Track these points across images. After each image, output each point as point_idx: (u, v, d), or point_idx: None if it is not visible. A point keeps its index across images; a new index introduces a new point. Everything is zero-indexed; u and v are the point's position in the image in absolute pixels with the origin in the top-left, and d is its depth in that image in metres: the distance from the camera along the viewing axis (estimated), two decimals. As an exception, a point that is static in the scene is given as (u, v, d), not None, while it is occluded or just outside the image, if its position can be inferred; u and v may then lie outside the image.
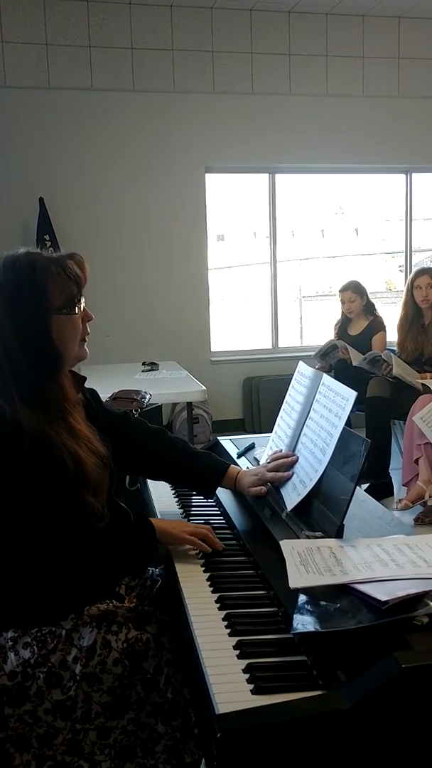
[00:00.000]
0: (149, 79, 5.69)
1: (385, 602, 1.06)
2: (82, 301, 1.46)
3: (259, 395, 5.96)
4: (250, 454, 2.04)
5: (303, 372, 1.82)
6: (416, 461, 3.86)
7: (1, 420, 1.34)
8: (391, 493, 4.23)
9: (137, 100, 5.72)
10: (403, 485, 4.01)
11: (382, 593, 1.08)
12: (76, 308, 1.44)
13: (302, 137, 6.02)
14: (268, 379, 5.89)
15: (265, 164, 6.14)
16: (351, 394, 1.52)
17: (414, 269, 5.14)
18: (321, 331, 4.92)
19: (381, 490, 4.21)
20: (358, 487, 1.66)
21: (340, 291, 4.83)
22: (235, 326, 7.29)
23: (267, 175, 6.25)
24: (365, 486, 4.28)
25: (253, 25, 5.83)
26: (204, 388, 3.88)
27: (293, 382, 1.86)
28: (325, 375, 1.70)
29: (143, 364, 4.64)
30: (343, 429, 1.50)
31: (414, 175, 6.54)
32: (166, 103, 5.76)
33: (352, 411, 4.67)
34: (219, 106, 5.86)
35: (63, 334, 1.42)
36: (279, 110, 5.97)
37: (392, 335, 4.64)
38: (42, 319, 1.39)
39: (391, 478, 4.28)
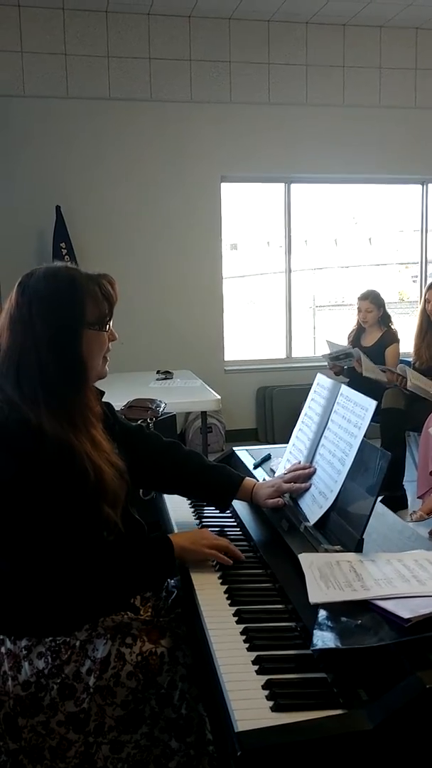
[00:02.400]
0: (166, 88, 5.72)
1: (408, 620, 1.04)
2: (111, 320, 1.49)
3: (273, 405, 5.94)
4: (267, 465, 2.02)
5: (321, 383, 1.80)
6: (431, 473, 3.82)
7: (26, 426, 1.33)
8: (406, 506, 4.19)
9: (154, 110, 5.74)
10: (418, 497, 3.97)
11: (405, 610, 1.06)
12: (106, 326, 1.49)
13: (318, 147, 6.02)
14: (281, 389, 5.86)
15: (280, 174, 6.14)
16: (370, 404, 1.50)
17: (430, 281, 5.11)
18: (338, 341, 4.89)
19: (395, 503, 4.17)
20: (378, 501, 1.64)
21: (358, 299, 4.81)
22: (249, 335, 7.28)
23: (282, 184, 6.25)
24: (379, 498, 4.24)
25: (271, 35, 5.84)
26: (218, 397, 3.87)
27: (312, 394, 1.85)
28: (343, 386, 1.68)
29: (157, 372, 4.63)
30: (363, 441, 1.48)
31: (430, 186, 6.52)
32: (183, 112, 5.78)
33: (367, 422, 4.56)
34: (235, 116, 5.87)
35: (92, 348, 1.46)
36: (295, 120, 5.97)
37: (405, 346, 4.61)
38: (76, 331, 1.42)
39: (405, 490, 4.23)
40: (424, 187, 6.50)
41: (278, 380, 6.02)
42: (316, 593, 1.17)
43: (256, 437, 6.06)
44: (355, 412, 1.56)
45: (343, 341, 4.94)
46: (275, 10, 5.58)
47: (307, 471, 1.66)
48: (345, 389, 1.67)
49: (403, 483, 4.23)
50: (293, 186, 6.30)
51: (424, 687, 0.93)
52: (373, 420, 4.46)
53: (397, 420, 4.13)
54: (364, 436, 4.68)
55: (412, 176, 6.39)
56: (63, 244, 5.37)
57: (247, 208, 6.59)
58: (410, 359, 4.50)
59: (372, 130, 6.10)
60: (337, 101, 6.02)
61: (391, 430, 4.15)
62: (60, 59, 5.51)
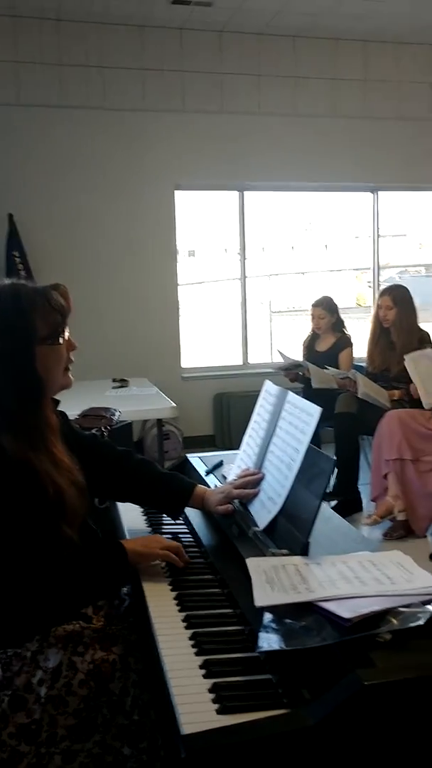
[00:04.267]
0: (120, 97, 5.73)
1: (349, 620, 1.07)
2: (66, 331, 1.48)
3: (230, 411, 5.98)
4: (219, 471, 2.05)
5: (269, 390, 1.84)
6: (385, 476, 3.90)
7: None
8: (360, 509, 4.26)
9: (108, 118, 5.75)
10: (372, 500, 4.05)
11: (346, 611, 1.09)
12: (60, 338, 1.47)
13: (271, 156, 6.10)
14: (238, 395, 5.91)
15: (234, 182, 6.21)
16: (316, 411, 1.54)
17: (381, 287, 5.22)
18: (291, 346, 4.96)
19: (350, 506, 4.25)
20: (324, 504, 1.68)
21: (312, 306, 4.89)
22: (207, 342, 7.31)
23: (237, 192, 6.31)
24: (334, 502, 4.31)
25: (223, 45, 5.91)
26: (174, 404, 3.89)
27: (260, 400, 1.88)
28: (290, 393, 1.72)
29: (113, 380, 4.63)
30: (309, 447, 1.52)
31: (380, 193, 6.66)
32: (137, 121, 5.81)
33: (321, 427, 4.71)
34: (189, 125, 5.91)
35: (47, 364, 1.44)
36: (248, 129, 6.04)
37: (360, 351, 4.70)
38: (27, 349, 1.41)
39: (360, 493, 4.31)
40: (375, 194, 6.64)
41: (235, 387, 6.06)
42: (262, 596, 1.20)
43: (214, 443, 6.09)
44: (301, 418, 1.59)
45: (299, 347, 5.01)
46: (227, 21, 5.65)
47: (256, 477, 1.69)
48: (291, 396, 1.70)
49: (358, 486, 4.30)
50: (248, 194, 6.36)
51: (362, 684, 0.96)
52: (327, 425, 4.53)
53: (350, 424, 4.20)
54: (319, 441, 4.74)
55: (363, 184, 6.52)
56: (16, 253, 5.34)
57: (204, 216, 6.65)
58: (364, 364, 4.60)
59: (323, 140, 6.21)
60: (289, 111, 6.11)
61: (344, 435, 4.22)
62: (10, 66, 5.48)
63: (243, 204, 6.35)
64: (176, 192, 6.05)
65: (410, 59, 6.33)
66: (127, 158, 5.81)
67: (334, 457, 1.47)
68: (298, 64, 6.09)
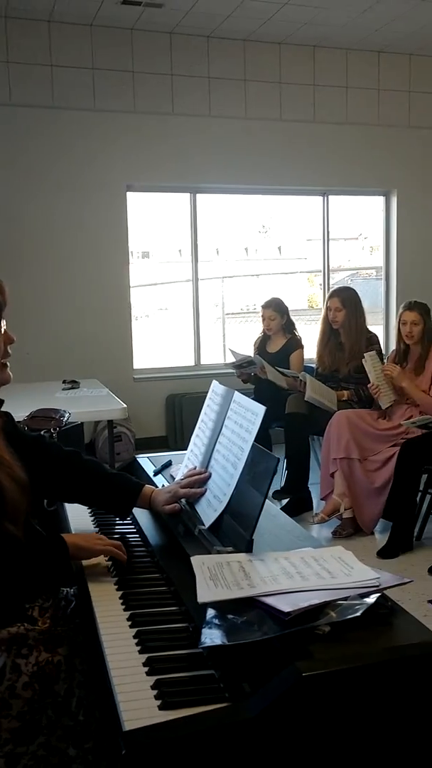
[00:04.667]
0: (69, 96, 5.68)
1: (288, 613, 1.09)
2: (2, 324, 1.47)
3: (182, 412, 5.99)
4: (167, 471, 2.06)
5: (216, 390, 1.85)
6: (332, 475, 3.96)
7: None
8: (311, 508, 4.32)
9: (58, 118, 5.69)
10: (321, 499, 4.11)
11: (285, 605, 1.12)
12: None
13: (222, 158, 6.13)
14: (190, 396, 5.92)
15: (185, 184, 6.22)
16: (260, 410, 1.56)
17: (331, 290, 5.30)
18: (244, 348, 5.00)
19: (300, 505, 4.30)
20: (270, 503, 1.71)
21: (262, 307, 4.93)
22: (160, 343, 7.30)
23: (188, 194, 6.33)
24: (285, 500, 4.36)
25: (174, 47, 5.92)
26: (124, 405, 3.88)
27: (207, 400, 1.90)
28: (236, 392, 1.74)
29: (64, 382, 4.59)
30: (254, 446, 1.54)
31: (331, 197, 6.76)
32: (87, 121, 5.76)
33: (271, 427, 4.76)
34: (140, 126, 5.90)
35: None
36: (199, 131, 6.06)
37: (311, 352, 4.76)
38: None
39: (310, 492, 4.36)
40: (325, 198, 6.74)
41: (187, 388, 6.07)
42: (205, 593, 1.21)
43: (167, 445, 6.09)
44: (247, 417, 1.62)
45: (250, 349, 5.05)
46: (178, 23, 5.66)
47: (202, 476, 1.70)
48: (237, 396, 1.72)
49: (308, 485, 4.35)
50: (202, 196, 6.39)
51: (300, 675, 0.98)
52: (277, 425, 4.57)
53: (300, 424, 4.25)
54: (270, 441, 4.78)
55: (313, 188, 6.61)
56: (-36, 252, 5.24)
57: (158, 217, 6.63)
58: (313, 366, 4.66)
59: (274, 143, 6.27)
60: (239, 114, 6.15)
61: (294, 435, 4.28)
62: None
63: (195, 206, 6.37)
64: (128, 193, 6.02)
65: (358, 66, 6.44)
66: (77, 158, 5.77)
67: (278, 457, 1.49)
68: (248, 67, 6.14)
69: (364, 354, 4.07)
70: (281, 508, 4.27)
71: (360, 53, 6.43)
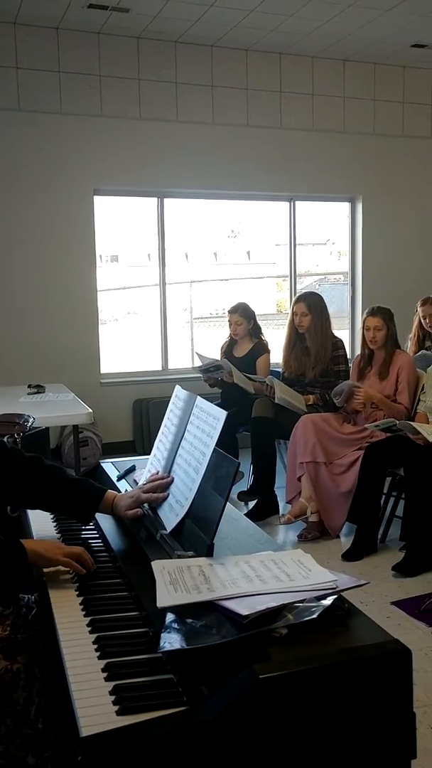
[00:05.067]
0: (36, 99, 5.65)
1: (246, 616, 1.10)
2: None
3: (149, 417, 5.98)
4: (130, 476, 2.05)
5: (178, 395, 1.86)
6: (299, 479, 3.99)
7: None
8: (277, 511, 4.34)
9: (24, 121, 5.65)
10: (287, 502, 4.13)
11: (243, 608, 1.12)
12: None
13: (190, 163, 6.15)
14: (157, 401, 5.91)
15: (153, 188, 6.22)
16: (221, 414, 1.57)
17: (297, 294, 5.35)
18: (212, 352, 5.02)
19: (267, 508, 4.32)
20: (232, 507, 1.72)
21: (228, 312, 4.95)
22: (129, 348, 7.29)
23: (156, 199, 6.33)
24: (252, 503, 4.38)
25: (141, 51, 5.92)
26: (90, 410, 3.86)
27: (170, 405, 1.90)
28: (198, 397, 1.74)
29: (29, 387, 4.55)
30: (215, 450, 1.54)
31: (297, 203, 6.82)
32: (54, 124, 5.73)
33: (238, 431, 4.77)
34: (107, 130, 5.89)
35: None
36: (167, 136, 6.07)
37: (277, 357, 4.79)
38: None
39: (276, 496, 4.39)
40: (292, 203, 6.80)
41: (155, 392, 6.06)
42: (164, 597, 1.21)
43: (134, 449, 6.07)
44: (208, 422, 1.62)
45: (217, 353, 5.07)
46: (145, 27, 5.67)
47: (165, 481, 1.71)
48: (200, 401, 1.73)
49: (275, 489, 4.38)
50: (172, 200, 6.39)
51: (257, 677, 0.99)
52: (243, 429, 4.59)
53: (266, 428, 4.27)
54: (237, 445, 4.79)
55: (280, 193, 6.66)
56: None
57: (127, 221, 6.62)
58: (280, 370, 4.69)
59: (241, 149, 6.31)
60: (206, 119, 6.18)
61: (261, 439, 4.30)
62: None
63: (162, 210, 6.37)
64: (95, 197, 6.00)
65: (324, 73, 6.52)
66: (44, 162, 5.73)
67: (239, 461, 1.50)
68: (215, 73, 6.17)
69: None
70: (248, 511, 4.29)
71: (326, 61, 6.51)
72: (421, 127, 6.96)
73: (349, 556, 3.69)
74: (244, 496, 4.37)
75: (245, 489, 4.44)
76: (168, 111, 6.05)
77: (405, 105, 6.87)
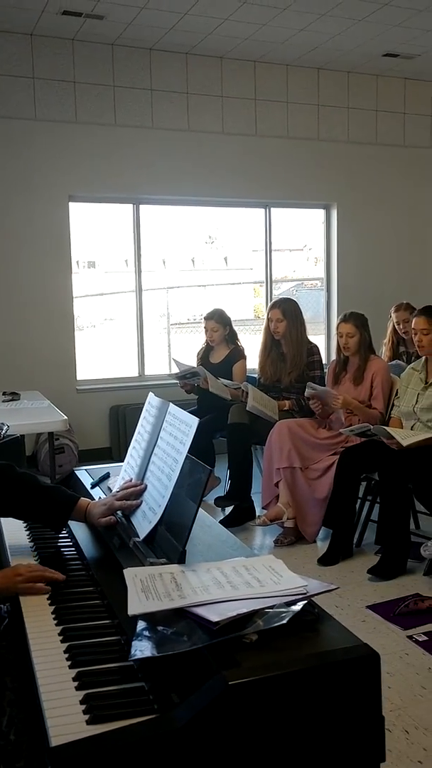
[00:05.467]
0: (9, 106, 5.62)
1: (216, 623, 1.11)
2: None
3: (126, 423, 5.96)
4: (104, 483, 2.05)
5: (152, 402, 1.86)
6: (276, 484, 4.01)
7: None
8: (254, 517, 4.35)
9: (-2, 126, 5.63)
10: (263, 508, 4.15)
11: (214, 614, 1.13)
12: None
13: (165, 170, 6.16)
14: (134, 407, 5.90)
15: (128, 195, 6.22)
16: (193, 421, 1.57)
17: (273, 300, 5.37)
18: (188, 358, 5.02)
19: (244, 514, 4.33)
20: (206, 514, 1.72)
21: (204, 318, 4.96)
22: (106, 354, 7.26)
23: (131, 205, 6.33)
24: (229, 509, 4.39)
25: (116, 58, 5.93)
26: (65, 417, 3.84)
27: (144, 412, 1.91)
28: (171, 404, 1.75)
29: (4, 393, 4.52)
30: (188, 457, 1.55)
31: (273, 209, 6.86)
32: (29, 130, 5.71)
33: (215, 437, 4.78)
34: (82, 137, 5.88)
35: None
36: (142, 143, 6.08)
37: (256, 362, 4.81)
38: None
39: (253, 502, 4.39)
40: (267, 210, 6.84)
41: (131, 399, 6.05)
42: (135, 605, 1.21)
43: (111, 456, 6.05)
44: (181, 429, 1.63)
45: (193, 359, 5.07)
46: (119, 35, 5.68)
47: (138, 488, 1.71)
48: (173, 408, 1.73)
49: (251, 495, 4.39)
50: (149, 207, 6.39)
51: (227, 684, 0.99)
52: (220, 435, 4.60)
53: (242, 434, 4.29)
54: (214, 451, 4.79)
55: (256, 200, 6.70)
56: None
57: (104, 227, 6.60)
58: (256, 376, 4.71)
59: (216, 156, 6.33)
60: (182, 126, 6.20)
61: (237, 444, 4.31)
62: None
63: (138, 217, 6.37)
64: (71, 203, 5.99)
65: (298, 82, 6.58)
66: (19, 168, 5.71)
67: (210, 468, 1.50)
68: (190, 80, 6.19)
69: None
70: (225, 517, 4.30)
71: (300, 69, 6.57)
72: (394, 135, 7.05)
73: (325, 560, 3.71)
74: (220, 502, 4.38)
75: (222, 495, 4.45)
76: (143, 118, 6.06)
77: (378, 113, 6.95)
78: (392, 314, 5.11)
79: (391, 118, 7.00)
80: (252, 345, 5.08)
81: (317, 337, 6.94)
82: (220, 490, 4.63)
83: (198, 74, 6.21)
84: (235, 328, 5.05)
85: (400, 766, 2.12)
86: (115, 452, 6.07)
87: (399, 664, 2.68)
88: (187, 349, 6.41)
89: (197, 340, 5.24)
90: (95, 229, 6.49)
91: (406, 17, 5.49)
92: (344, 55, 6.29)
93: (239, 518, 4.30)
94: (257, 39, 5.84)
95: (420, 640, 2.88)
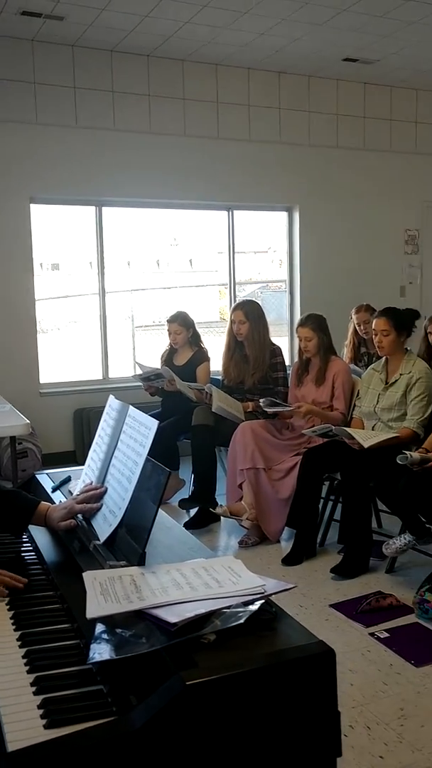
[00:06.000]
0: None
1: (174, 624, 1.11)
2: None
3: (90, 426, 5.92)
4: (65, 487, 2.04)
5: (112, 405, 1.86)
6: (240, 485, 4.03)
7: None
8: (218, 518, 4.36)
9: None
10: (228, 509, 4.16)
11: (172, 616, 1.14)
12: None
13: (128, 172, 6.14)
14: (98, 410, 5.80)
15: (90, 197, 6.19)
16: (153, 424, 1.58)
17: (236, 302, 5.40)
18: (153, 361, 5.02)
19: (208, 516, 4.34)
20: (166, 515, 1.73)
21: (167, 321, 4.96)
22: (70, 357, 7.21)
23: (94, 207, 6.30)
24: (193, 511, 4.39)
25: (76, 60, 5.89)
26: (27, 421, 3.81)
27: (104, 415, 1.91)
28: (131, 407, 1.75)
29: (-36, 398, 4.46)
30: (147, 459, 1.55)
31: (235, 212, 6.89)
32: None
33: (179, 439, 4.78)
34: (43, 138, 5.83)
35: None
36: (103, 145, 6.05)
37: (218, 364, 4.82)
38: None
39: (218, 503, 4.40)
40: (230, 213, 6.86)
41: (95, 401, 6.01)
42: (94, 608, 1.21)
43: (75, 459, 6.00)
44: (141, 432, 1.63)
45: (157, 362, 5.07)
46: (80, 36, 5.65)
47: (98, 491, 1.71)
48: (132, 410, 1.74)
49: (216, 496, 4.40)
50: (108, 209, 6.36)
51: (184, 684, 1.00)
52: (184, 437, 4.60)
53: (206, 436, 4.29)
54: (178, 453, 4.80)
55: (218, 202, 6.72)
56: None
57: (67, 229, 6.55)
58: (219, 378, 4.72)
59: (178, 158, 6.34)
60: (143, 128, 6.19)
61: (201, 446, 4.31)
62: None
63: (101, 219, 6.34)
64: (32, 205, 5.93)
65: (260, 85, 6.62)
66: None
67: (169, 470, 1.51)
68: (152, 82, 6.19)
69: None
70: (189, 519, 4.30)
71: (261, 73, 6.61)
72: (354, 139, 7.14)
73: (289, 560, 3.74)
74: (185, 504, 4.39)
75: (186, 497, 4.45)
76: (104, 119, 6.04)
77: (339, 117, 7.03)
78: (353, 315, 5.18)
79: (351, 122, 7.09)
80: (218, 347, 5.10)
81: (281, 339, 7.00)
82: (185, 492, 4.63)
83: (160, 76, 6.21)
84: (201, 330, 5.06)
85: (362, 761, 2.15)
86: (80, 455, 6.03)
87: (361, 662, 2.72)
88: (152, 351, 6.40)
89: (162, 342, 5.23)
90: (59, 231, 6.45)
91: (364, 23, 5.57)
92: (304, 59, 6.35)
93: (204, 520, 4.30)
94: (218, 42, 5.87)
95: (381, 637, 2.93)
